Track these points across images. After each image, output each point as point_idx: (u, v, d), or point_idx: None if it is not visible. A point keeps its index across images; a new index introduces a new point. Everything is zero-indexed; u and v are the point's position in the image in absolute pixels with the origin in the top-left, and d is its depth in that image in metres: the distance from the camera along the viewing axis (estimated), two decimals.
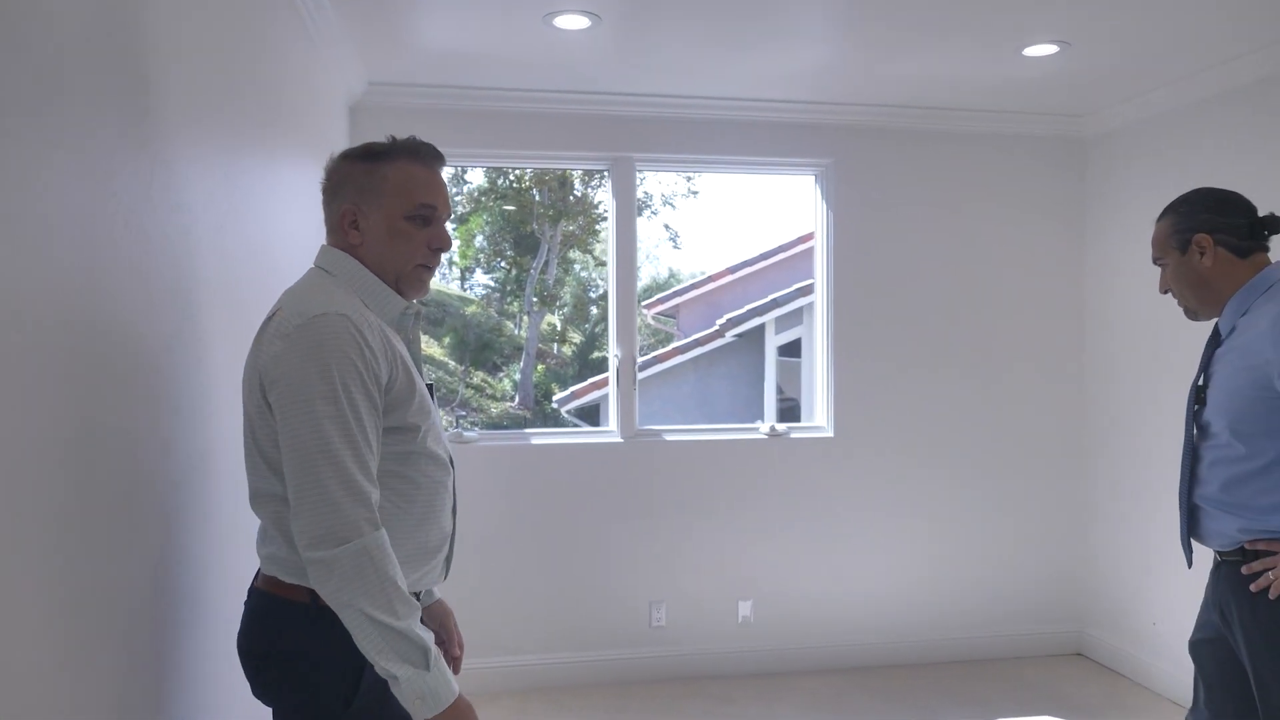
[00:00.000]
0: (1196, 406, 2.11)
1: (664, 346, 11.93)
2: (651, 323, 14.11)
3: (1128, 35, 3.32)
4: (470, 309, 16.52)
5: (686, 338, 11.13)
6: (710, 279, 12.55)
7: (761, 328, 9.84)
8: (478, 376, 15.40)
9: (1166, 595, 3.95)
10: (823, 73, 3.78)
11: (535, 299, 15.23)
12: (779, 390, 10.00)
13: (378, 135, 4.25)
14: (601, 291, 16.05)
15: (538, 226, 14.82)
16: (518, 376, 15.19)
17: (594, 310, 16.34)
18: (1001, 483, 4.48)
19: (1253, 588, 1.98)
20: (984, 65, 3.68)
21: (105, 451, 1.38)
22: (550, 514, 4.13)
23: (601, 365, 13.86)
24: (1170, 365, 3.90)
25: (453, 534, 1.73)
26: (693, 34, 3.32)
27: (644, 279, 17.69)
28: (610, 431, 4.26)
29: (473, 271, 17.27)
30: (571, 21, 3.18)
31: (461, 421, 12.99)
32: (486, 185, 15.13)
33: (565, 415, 11.45)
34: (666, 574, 4.22)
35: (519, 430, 4.36)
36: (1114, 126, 4.28)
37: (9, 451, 1.10)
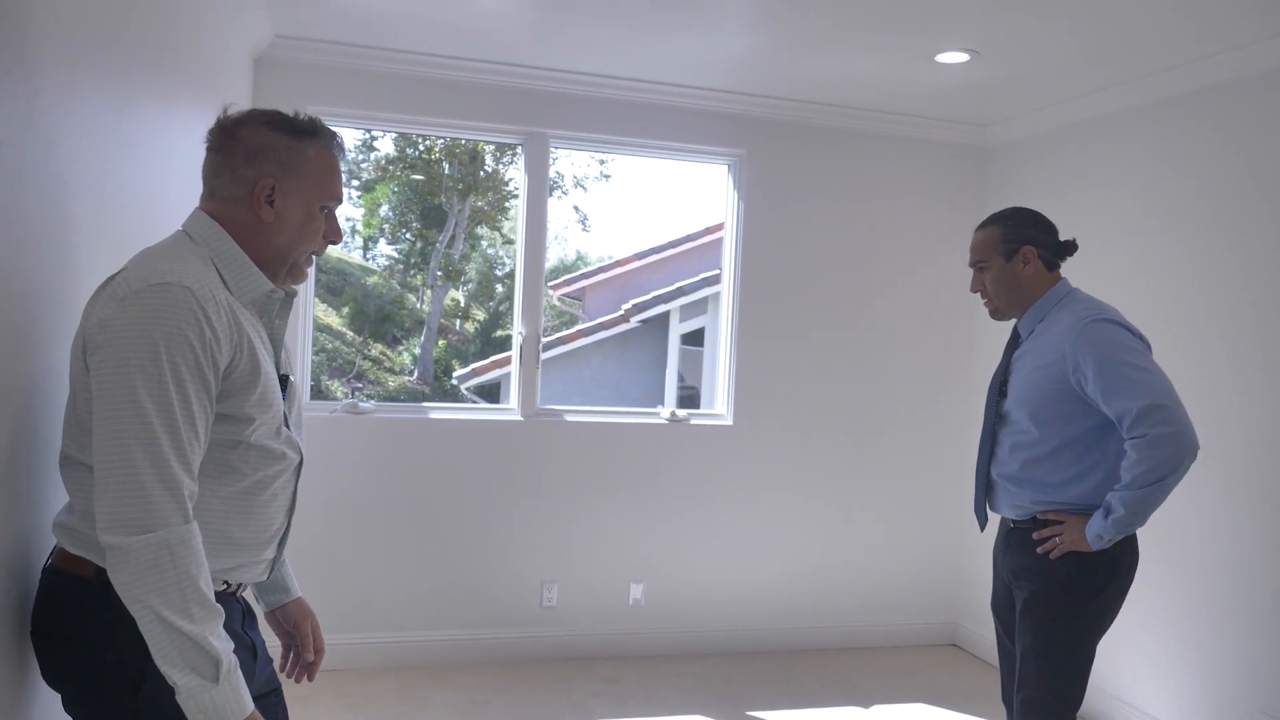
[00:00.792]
0: (1000, 398, 2.47)
1: (569, 328, 11.88)
2: (557, 304, 14.03)
3: (1034, 49, 3.44)
4: (372, 279, 16.12)
5: (592, 320, 11.10)
6: (618, 263, 12.54)
7: (666, 315, 9.89)
8: (376, 349, 15.06)
9: None
10: (742, 64, 3.80)
11: (440, 273, 14.95)
12: (680, 378, 10.08)
13: (285, 91, 4.06)
14: (508, 270, 15.87)
15: (446, 199, 14.53)
16: (418, 351, 14.90)
17: (499, 289, 16.15)
18: (889, 476, 4.62)
19: (1039, 550, 2.35)
20: (898, 68, 3.75)
21: None
22: (445, 490, 4.06)
23: (504, 344, 13.72)
24: None
25: (284, 534, 1.61)
26: (616, 13, 3.28)
27: (552, 259, 17.58)
28: (511, 410, 4.21)
29: (376, 241, 16.86)
30: None
31: (358, 394, 12.68)
32: (395, 154, 14.76)
33: (465, 392, 11.30)
34: (560, 554, 4.20)
35: (417, 404, 4.27)
36: (1016, 136, 4.44)
37: None
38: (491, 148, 13.70)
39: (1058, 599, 2.32)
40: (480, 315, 16.36)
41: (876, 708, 3.87)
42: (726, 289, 4.51)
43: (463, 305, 16.52)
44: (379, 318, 15.16)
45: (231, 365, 1.40)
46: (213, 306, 1.37)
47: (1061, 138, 4.16)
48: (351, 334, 14.87)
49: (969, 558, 4.64)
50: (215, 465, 1.43)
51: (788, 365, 4.47)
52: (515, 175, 13.99)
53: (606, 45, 3.66)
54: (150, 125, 2.22)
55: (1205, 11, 2.97)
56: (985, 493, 2.53)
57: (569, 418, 4.24)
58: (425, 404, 4.27)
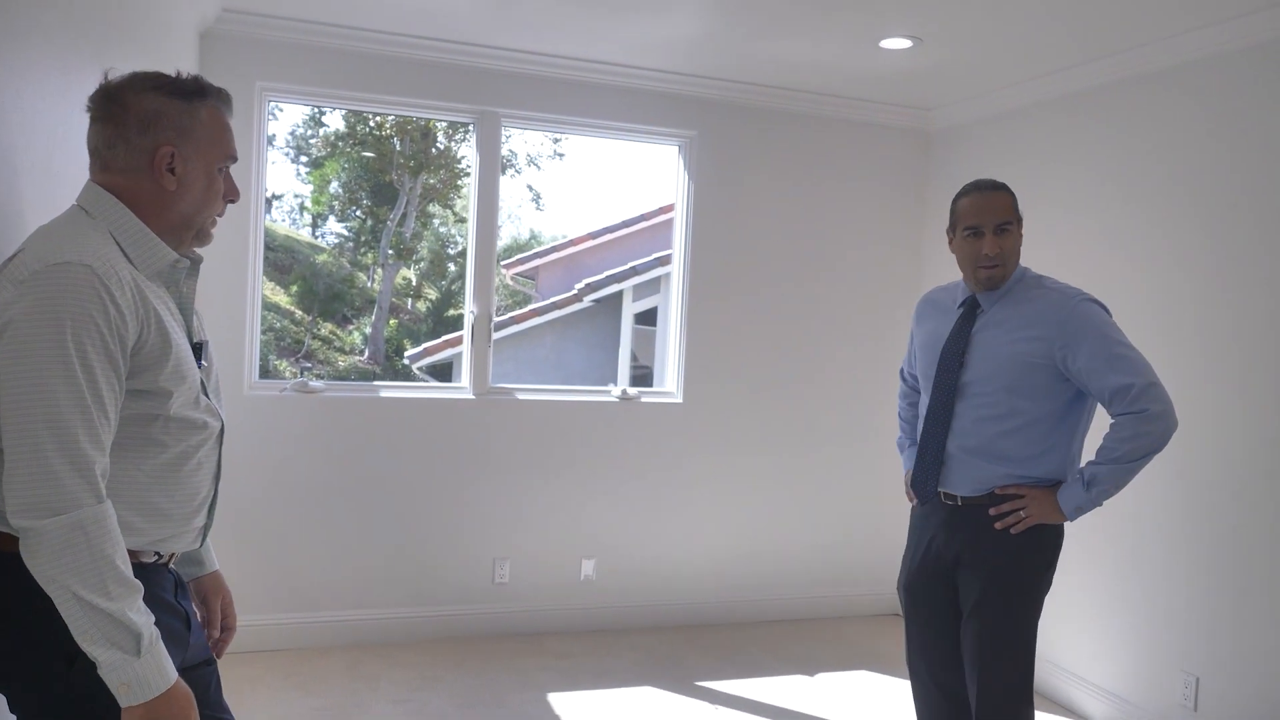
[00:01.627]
0: (959, 368, 2.43)
1: (521, 308, 11.86)
2: (510, 283, 13.97)
3: (974, 37, 3.53)
4: (321, 258, 15.88)
5: (544, 300, 11.10)
6: (571, 243, 12.51)
7: (620, 294, 9.93)
8: (326, 328, 14.88)
9: None
10: (693, 45, 3.84)
11: (391, 251, 14.80)
12: (634, 357, 10.13)
13: (233, 66, 4.01)
14: (460, 249, 15.75)
15: (397, 177, 14.37)
16: (368, 330, 14.76)
17: (451, 268, 16.03)
18: (835, 452, 4.73)
19: (997, 525, 2.35)
20: (844, 53, 3.82)
21: None
22: (397, 469, 4.08)
23: (456, 324, 13.65)
24: None
25: (212, 501, 1.62)
26: None
27: (504, 238, 17.48)
28: (462, 388, 4.24)
29: (325, 219, 16.61)
30: None
31: (307, 373, 12.54)
32: (345, 130, 14.54)
33: (416, 371, 11.24)
34: (512, 531, 4.25)
35: (369, 383, 4.27)
36: (957, 122, 4.54)
37: None
38: (444, 125, 13.56)
39: (1020, 575, 2.36)
40: (432, 294, 16.23)
41: (821, 675, 3.98)
42: (677, 269, 4.57)
43: (415, 284, 16.38)
44: (329, 296, 14.96)
45: (140, 342, 1.39)
46: (116, 283, 1.35)
47: (1001, 122, 4.27)
48: (300, 313, 14.66)
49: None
50: (136, 439, 1.43)
51: (736, 343, 4.54)
52: (468, 153, 13.88)
53: (558, 25, 3.67)
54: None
55: None
56: (938, 467, 2.46)
57: (520, 396, 4.28)
58: (376, 383, 4.27)
